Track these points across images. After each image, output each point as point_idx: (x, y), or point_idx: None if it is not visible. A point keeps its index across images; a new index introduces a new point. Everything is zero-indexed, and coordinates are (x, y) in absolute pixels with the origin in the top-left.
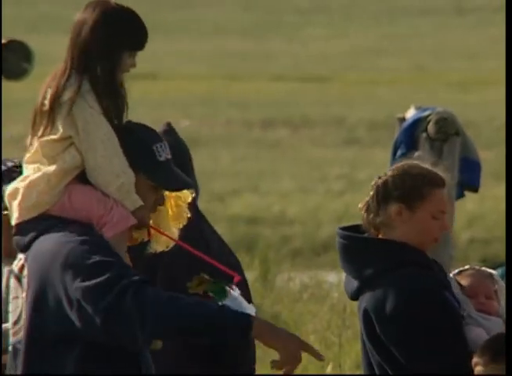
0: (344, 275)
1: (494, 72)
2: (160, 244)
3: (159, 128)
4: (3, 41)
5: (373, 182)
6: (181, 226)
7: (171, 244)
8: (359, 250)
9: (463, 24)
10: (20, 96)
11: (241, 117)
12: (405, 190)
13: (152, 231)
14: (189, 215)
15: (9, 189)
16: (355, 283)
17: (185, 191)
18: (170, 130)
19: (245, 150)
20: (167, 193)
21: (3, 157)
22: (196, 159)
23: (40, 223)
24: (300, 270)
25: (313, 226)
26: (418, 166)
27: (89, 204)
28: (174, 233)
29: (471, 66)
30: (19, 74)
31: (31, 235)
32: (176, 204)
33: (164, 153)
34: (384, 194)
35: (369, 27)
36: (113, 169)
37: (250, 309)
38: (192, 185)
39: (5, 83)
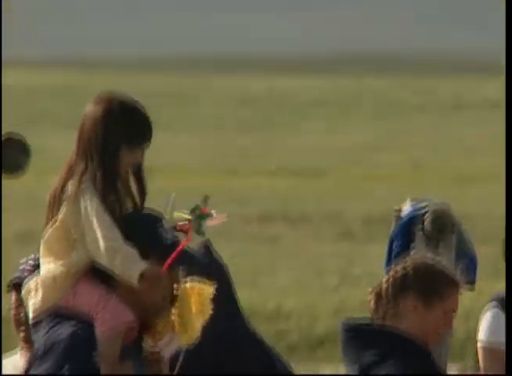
0: (341, 366)
1: (491, 168)
2: (185, 339)
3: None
4: (2, 137)
5: (388, 273)
6: (204, 321)
7: (195, 338)
8: (362, 339)
9: (460, 120)
10: (19, 191)
11: (239, 212)
12: (425, 287)
13: (176, 325)
14: (211, 312)
15: (25, 287)
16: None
17: (206, 286)
18: (207, 251)
19: (243, 244)
20: (189, 288)
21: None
22: None
23: (48, 324)
24: (296, 364)
25: (309, 321)
26: (439, 264)
27: (89, 302)
28: (197, 328)
29: (468, 161)
30: (16, 169)
31: (42, 333)
32: (199, 301)
33: (169, 235)
34: (403, 286)
35: (367, 122)
36: (113, 245)
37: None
38: (204, 265)
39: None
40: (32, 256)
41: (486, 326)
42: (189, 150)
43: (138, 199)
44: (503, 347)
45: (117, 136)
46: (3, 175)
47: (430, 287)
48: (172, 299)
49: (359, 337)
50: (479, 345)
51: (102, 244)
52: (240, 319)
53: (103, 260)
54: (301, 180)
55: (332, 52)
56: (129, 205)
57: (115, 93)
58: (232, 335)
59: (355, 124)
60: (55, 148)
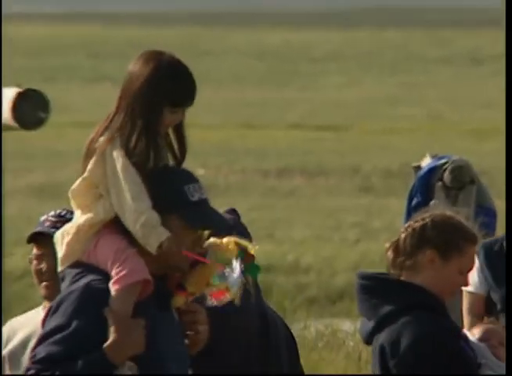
0: (359, 323)
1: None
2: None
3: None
4: (20, 90)
5: (406, 224)
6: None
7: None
8: (378, 289)
9: (478, 73)
10: (38, 145)
11: (257, 166)
12: (444, 239)
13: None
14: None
15: (55, 236)
16: (370, 325)
17: (247, 243)
18: (234, 216)
19: (260, 198)
20: (225, 244)
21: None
22: None
23: (70, 272)
24: (315, 318)
25: (328, 275)
26: (457, 218)
27: (108, 255)
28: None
29: (487, 115)
30: (35, 123)
31: (66, 284)
32: (236, 249)
33: (198, 193)
34: (421, 238)
35: (385, 75)
36: (138, 209)
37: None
38: (227, 223)
39: (22, 132)
40: (52, 212)
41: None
42: (206, 105)
43: (178, 156)
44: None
45: (163, 96)
46: (22, 129)
47: (449, 241)
48: (202, 257)
49: (376, 288)
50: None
51: (126, 203)
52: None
53: (125, 220)
54: (319, 134)
55: (349, 4)
56: (170, 162)
57: (163, 52)
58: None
59: (373, 78)
60: (74, 102)
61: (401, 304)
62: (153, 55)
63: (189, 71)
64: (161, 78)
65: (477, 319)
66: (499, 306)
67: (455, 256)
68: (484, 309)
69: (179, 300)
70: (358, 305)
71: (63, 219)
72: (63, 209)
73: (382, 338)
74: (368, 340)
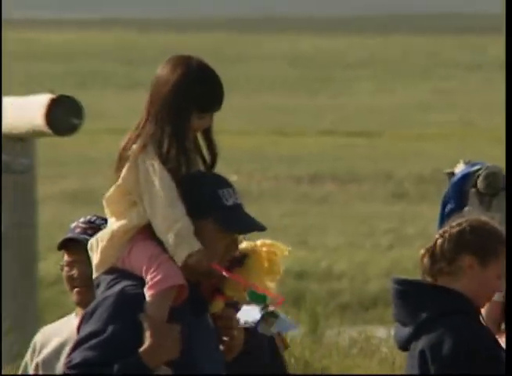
0: (392, 329)
1: None
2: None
3: None
4: (53, 96)
5: (441, 230)
6: (275, 281)
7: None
8: (415, 295)
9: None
10: (71, 152)
11: (289, 172)
12: (482, 244)
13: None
14: (282, 269)
15: (89, 243)
16: (406, 331)
17: (280, 245)
18: None
19: (293, 204)
20: (259, 247)
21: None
22: None
23: (105, 279)
24: (348, 325)
25: (361, 281)
26: (492, 223)
27: (142, 261)
28: (270, 287)
29: None
30: (68, 129)
31: (101, 290)
32: (269, 258)
33: (232, 198)
34: (459, 243)
35: (418, 81)
36: (171, 216)
37: (295, 326)
38: (262, 228)
39: (56, 139)
40: (82, 219)
41: None
42: (238, 111)
43: (208, 160)
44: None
45: (191, 101)
46: (55, 135)
47: (487, 246)
48: (240, 260)
49: (413, 293)
50: None
51: (160, 210)
52: None
53: (157, 227)
54: (351, 140)
55: (381, 10)
56: (201, 166)
57: (191, 57)
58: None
59: (404, 84)
60: (107, 109)
61: (439, 310)
62: (181, 60)
63: (216, 76)
64: (189, 84)
65: (494, 324)
66: None
67: (493, 261)
68: (501, 314)
69: (218, 305)
70: (393, 311)
71: (94, 225)
72: (93, 215)
73: (422, 343)
74: (404, 346)
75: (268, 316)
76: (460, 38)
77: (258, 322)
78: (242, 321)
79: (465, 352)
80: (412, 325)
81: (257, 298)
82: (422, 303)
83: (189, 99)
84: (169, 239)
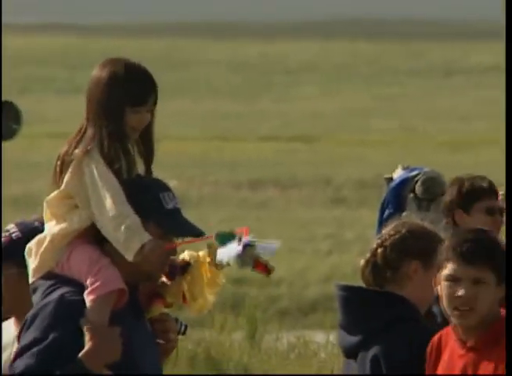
0: (331, 334)
1: (483, 133)
2: (194, 310)
3: None
4: None
5: (379, 238)
6: (215, 294)
7: (206, 308)
8: (360, 302)
9: (451, 86)
10: (12, 156)
11: (230, 178)
12: (425, 247)
13: (187, 297)
14: (223, 281)
15: (26, 247)
16: (353, 339)
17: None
18: None
19: (233, 209)
20: (201, 259)
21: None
22: None
23: (43, 284)
24: (287, 330)
25: (300, 286)
26: (427, 225)
27: (82, 266)
28: (210, 300)
29: (460, 127)
30: (8, 134)
31: (38, 296)
32: (211, 269)
33: (172, 202)
34: (402, 250)
35: (359, 87)
36: (121, 213)
37: (274, 244)
38: (201, 233)
39: None
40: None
41: None
42: (179, 116)
43: (145, 162)
44: None
45: (121, 98)
46: None
47: (430, 248)
48: (183, 268)
49: (360, 300)
50: None
51: (108, 209)
52: None
53: (105, 227)
54: (292, 145)
55: (323, 16)
56: (142, 168)
57: (120, 57)
58: None
59: (346, 89)
60: (48, 113)
61: (387, 318)
62: (109, 60)
63: (144, 71)
64: (117, 80)
65: None
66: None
67: (434, 263)
68: None
69: (158, 309)
70: (340, 317)
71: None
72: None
73: (374, 351)
74: (351, 353)
75: (248, 247)
76: (402, 44)
77: (239, 256)
78: (224, 261)
79: (420, 357)
80: (360, 334)
81: (227, 237)
82: (368, 311)
83: (118, 94)
84: (119, 235)
